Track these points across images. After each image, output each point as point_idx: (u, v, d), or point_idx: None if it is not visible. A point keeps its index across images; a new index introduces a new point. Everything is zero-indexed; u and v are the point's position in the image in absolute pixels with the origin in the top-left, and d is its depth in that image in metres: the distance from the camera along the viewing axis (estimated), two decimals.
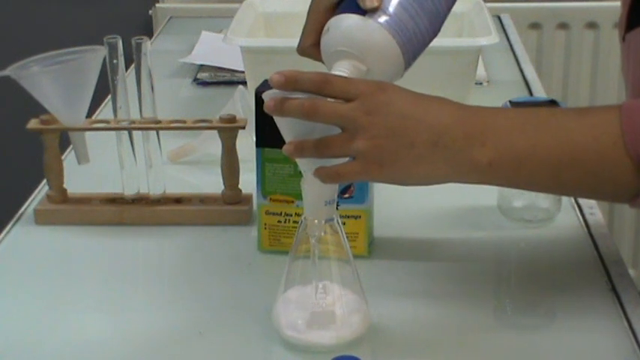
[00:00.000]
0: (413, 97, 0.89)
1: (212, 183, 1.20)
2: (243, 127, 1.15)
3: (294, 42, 1.51)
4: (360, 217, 1.05)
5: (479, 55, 1.41)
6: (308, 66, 1.33)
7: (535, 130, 0.89)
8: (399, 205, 1.08)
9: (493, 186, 0.93)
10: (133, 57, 1.14)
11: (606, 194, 0.93)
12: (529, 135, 0.89)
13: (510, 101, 1.16)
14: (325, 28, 0.95)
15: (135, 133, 1.18)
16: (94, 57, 1.12)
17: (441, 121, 0.88)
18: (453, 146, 0.88)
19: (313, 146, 0.87)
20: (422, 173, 0.89)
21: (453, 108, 0.90)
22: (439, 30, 0.97)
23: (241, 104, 1.30)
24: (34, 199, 1.25)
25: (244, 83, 1.45)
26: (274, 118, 0.89)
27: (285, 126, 0.89)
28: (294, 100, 0.86)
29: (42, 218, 1.18)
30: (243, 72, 1.48)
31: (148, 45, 1.14)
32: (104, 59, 1.13)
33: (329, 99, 0.87)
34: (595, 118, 0.90)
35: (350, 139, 0.87)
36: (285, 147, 0.88)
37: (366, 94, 0.87)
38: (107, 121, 1.18)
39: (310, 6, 0.98)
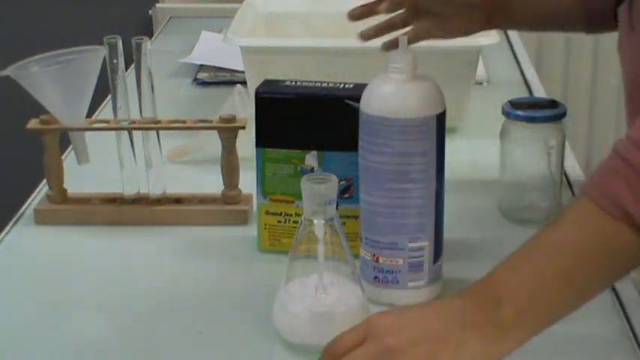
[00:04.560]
0: (415, 323, 0.84)
1: (212, 183, 1.20)
2: (243, 127, 1.15)
3: (294, 42, 1.51)
4: (359, 217, 1.05)
5: (479, 55, 1.41)
6: (309, 66, 1.33)
7: (535, 263, 0.85)
8: None
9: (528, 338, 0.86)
10: (133, 57, 1.14)
11: (625, 263, 0.87)
12: (532, 270, 0.85)
13: (510, 101, 1.16)
14: None
15: (135, 133, 1.18)
16: (94, 57, 1.12)
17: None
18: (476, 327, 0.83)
19: None
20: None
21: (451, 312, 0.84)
22: None
23: (240, 102, 1.30)
24: (34, 199, 1.25)
25: (244, 83, 1.45)
26: None
27: None
28: None
29: (42, 218, 1.18)
30: (243, 72, 1.48)
31: (148, 45, 1.14)
32: (104, 59, 1.13)
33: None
34: (570, 216, 0.87)
35: None
36: None
37: (374, 334, 0.83)
38: (107, 121, 1.18)
39: None
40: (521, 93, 1.58)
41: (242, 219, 1.17)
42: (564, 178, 1.23)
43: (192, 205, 1.18)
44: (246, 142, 1.17)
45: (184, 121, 1.18)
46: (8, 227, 1.18)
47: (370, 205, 0.98)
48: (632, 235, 0.84)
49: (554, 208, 1.17)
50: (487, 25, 1.19)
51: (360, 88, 0.99)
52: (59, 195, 1.19)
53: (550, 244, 0.86)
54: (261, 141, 1.07)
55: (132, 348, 0.95)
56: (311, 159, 1.06)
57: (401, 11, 1.18)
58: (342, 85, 1.06)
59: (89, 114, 1.17)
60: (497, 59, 1.75)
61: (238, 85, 1.38)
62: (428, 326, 0.83)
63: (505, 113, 1.15)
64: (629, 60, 1.06)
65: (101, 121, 1.19)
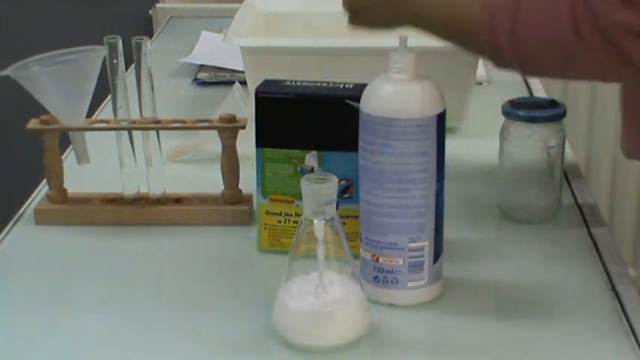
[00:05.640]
0: None
1: (212, 183, 1.20)
2: (244, 127, 1.15)
3: (294, 42, 1.51)
4: (359, 217, 1.05)
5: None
6: (308, 66, 1.33)
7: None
8: None
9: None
10: (133, 57, 1.14)
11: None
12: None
13: (510, 101, 1.16)
14: None
15: (135, 132, 1.18)
16: (94, 57, 1.12)
17: None
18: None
19: None
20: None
21: None
22: None
23: (238, 100, 1.30)
24: (34, 199, 1.25)
25: (244, 83, 1.45)
26: None
27: None
28: None
29: (42, 218, 1.18)
30: (243, 72, 1.48)
31: (148, 45, 1.14)
32: (104, 59, 1.13)
33: None
34: None
35: None
36: None
37: None
38: (107, 121, 1.18)
39: None
40: (521, 93, 1.58)
41: (242, 219, 1.17)
42: (564, 178, 1.23)
43: (192, 205, 1.18)
44: (245, 141, 1.17)
45: (184, 121, 1.18)
46: (8, 227, 1.18)
47: (370, 205, 0.98)
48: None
49: (554, 208, 1.17)
50: None
51: (360, 88, 0.99)
52: (59, 195, 1.19)
53: None
54: (261, 141, 1.07)
55: (131, 348, 0.95)
56: (311, 159, 1.06)
57: None
58: (342, 85, 1.06)
59: (89, 114, 1.17)
60: None
61: (237, 82, 1.38)
62: None
63: (505, 113, 1.15)
64: None
65: (101, 121, 1.19)
